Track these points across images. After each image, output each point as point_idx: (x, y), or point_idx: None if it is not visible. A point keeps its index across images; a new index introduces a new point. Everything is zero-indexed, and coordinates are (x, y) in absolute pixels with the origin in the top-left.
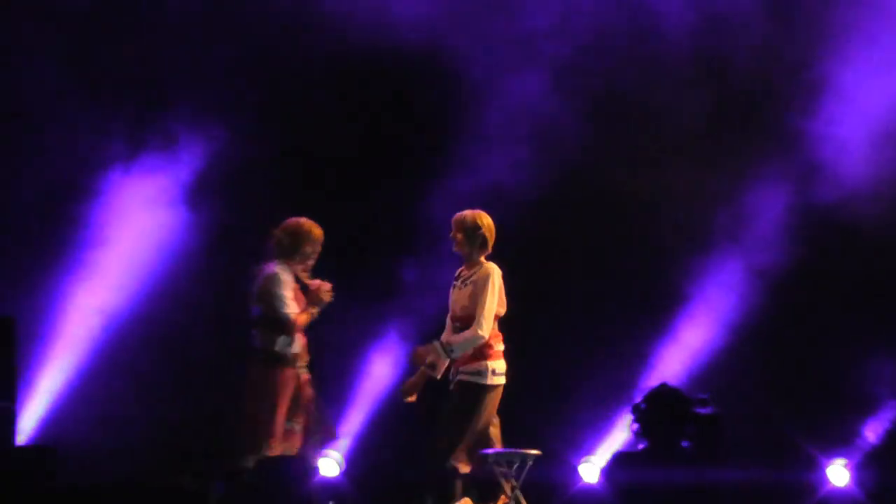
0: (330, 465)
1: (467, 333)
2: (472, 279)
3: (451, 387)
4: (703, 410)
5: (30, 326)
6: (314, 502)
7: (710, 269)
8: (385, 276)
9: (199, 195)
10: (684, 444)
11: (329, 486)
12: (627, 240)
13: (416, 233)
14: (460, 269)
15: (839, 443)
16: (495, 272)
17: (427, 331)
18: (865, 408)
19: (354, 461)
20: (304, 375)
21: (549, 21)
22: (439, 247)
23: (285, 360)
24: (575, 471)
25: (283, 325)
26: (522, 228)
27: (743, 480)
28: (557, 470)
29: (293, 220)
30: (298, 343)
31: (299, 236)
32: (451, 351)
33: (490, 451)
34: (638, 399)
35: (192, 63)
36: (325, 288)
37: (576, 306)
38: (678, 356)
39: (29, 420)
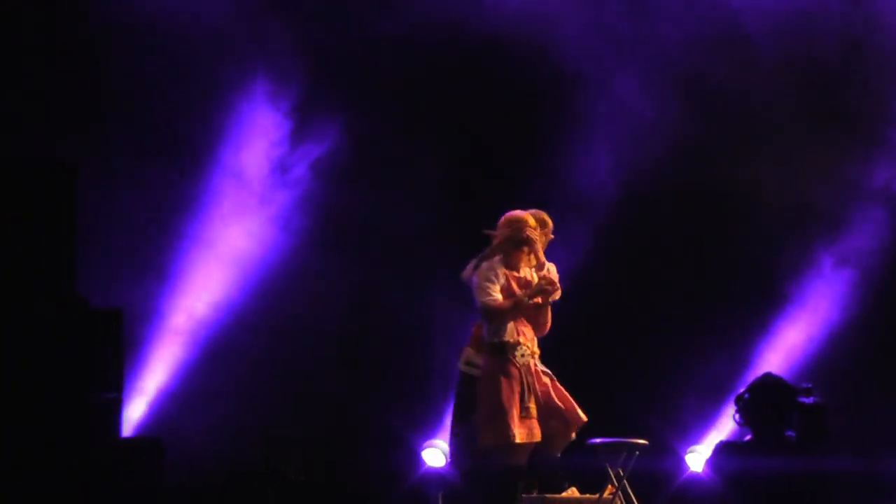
0: (436, 454)
1: None
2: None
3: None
4: (807, 400)
5: (138, 318)
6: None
7: (814, 261)
8: None
9: (312, 188)
10: (789, 433)
11: (436, 476)
12: (732, 233)
13: None
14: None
15: None
16: None
17: None
18: None
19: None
20: (532, 363)
21: (637, 19)
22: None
23: (500, 349)
24: (682, 460)
25: (486, 314)
26: (627, 224)
27: (847, 470)
28: (664, 460)
29: (509, 213)
30: (513, 331)
31: (509, 227)
32: None
33: (598, 440)
34: (742, 389)
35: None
36: (542, 277)
37: (681, 298)
38: (783, 347)
39: (135, 412)
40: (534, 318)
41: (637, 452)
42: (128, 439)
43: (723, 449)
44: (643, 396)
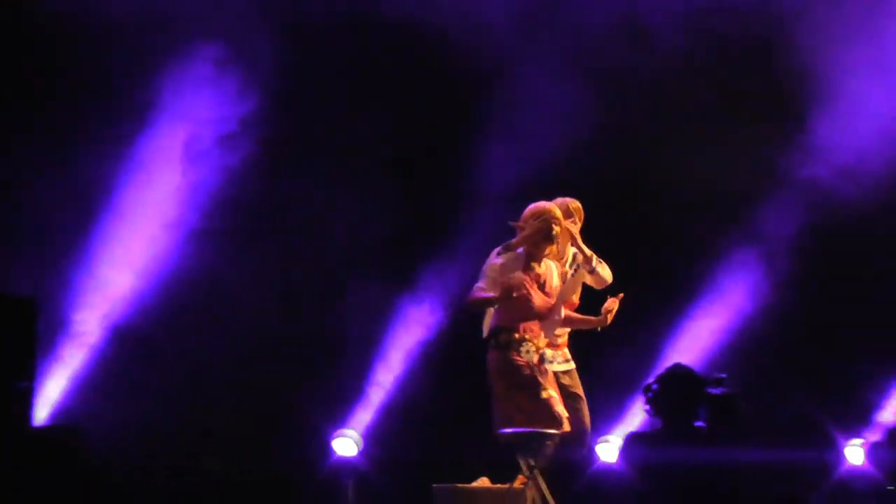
0: (348, 444)
1: None
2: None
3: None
4: (715, 390)
5: (51, 307)
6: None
7: (725, 250)
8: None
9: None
10: (698, 423)
11: (348, 465)
12: (641, 222)
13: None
14: (565, 256)
15: (857, 423)
16: None
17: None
18: (883, 388)
19: (374, 440)
20: (535, 358)
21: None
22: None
23: (496, 344)
24: (593, 451)
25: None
26: None
27: (760, 460)
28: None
29: (535, 204)
30: (517, 327)
31: (535, 220)
32: None
33: (509, 430)
34: (650, 380)
35: None
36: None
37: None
38: (695, 337)
39: (48, 401)
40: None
41: (548, 442)
42: (41, 428)
43: (633, 440)
44: None
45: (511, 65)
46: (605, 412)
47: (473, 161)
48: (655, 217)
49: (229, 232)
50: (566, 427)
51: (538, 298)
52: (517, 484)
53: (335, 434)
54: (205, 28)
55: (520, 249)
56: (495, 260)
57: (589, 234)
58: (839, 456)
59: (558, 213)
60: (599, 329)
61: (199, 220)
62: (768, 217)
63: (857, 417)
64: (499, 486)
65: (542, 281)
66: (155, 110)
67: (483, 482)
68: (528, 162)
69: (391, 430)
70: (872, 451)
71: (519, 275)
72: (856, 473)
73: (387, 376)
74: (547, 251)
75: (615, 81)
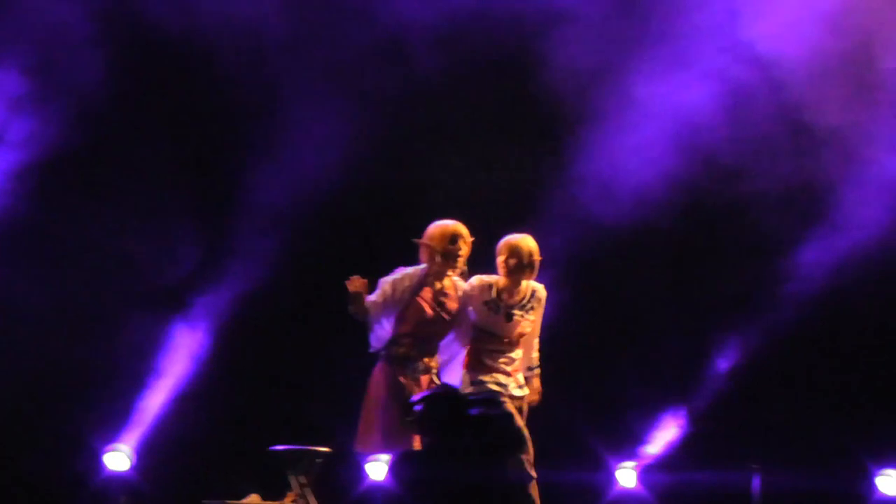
0: (119, 458)
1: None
2: (531, 305)
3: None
4: (473, 411)
5: None
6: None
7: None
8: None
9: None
10: (462, 444)
11: (119, 480)
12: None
13: None
14: (493, 290)
15: (631, 445)
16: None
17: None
18: (654, 411)
19: (148, 454)
20: (425, 380)
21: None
22: None
23: (385, 356)
24: (363, 469)
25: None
26: (314, 232)
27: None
28: (346, 468)
29: (437, 222)
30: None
31: (435, 238)
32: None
33: (280, 447)
34: (414, 399)
35: None
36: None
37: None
38: None
39: None
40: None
41: (319, 460)
42: None
43: (400, 458)
44: (327, 404)
45: (281, 87)
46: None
47: (247, 186)
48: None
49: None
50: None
51: (434, 316)
52: (288, 501)
53: (107, 449)
54: None
55: (421, 266)
56: (393, 274)
57: (366, 252)
58: (611, 478)
59: (463, 231)
60: None
61: None
62: (546, 229)
63: (629, 441)
64: (270, 502)
65: (440, 299)
66: None
67: (253, 498)
68: (300, 184)
69: (163, 446)
70: (644, 474)
71: (414, 287)
72: (627, 496)
73: (160, 394)
74: (449, 270)
75: (379, 101)
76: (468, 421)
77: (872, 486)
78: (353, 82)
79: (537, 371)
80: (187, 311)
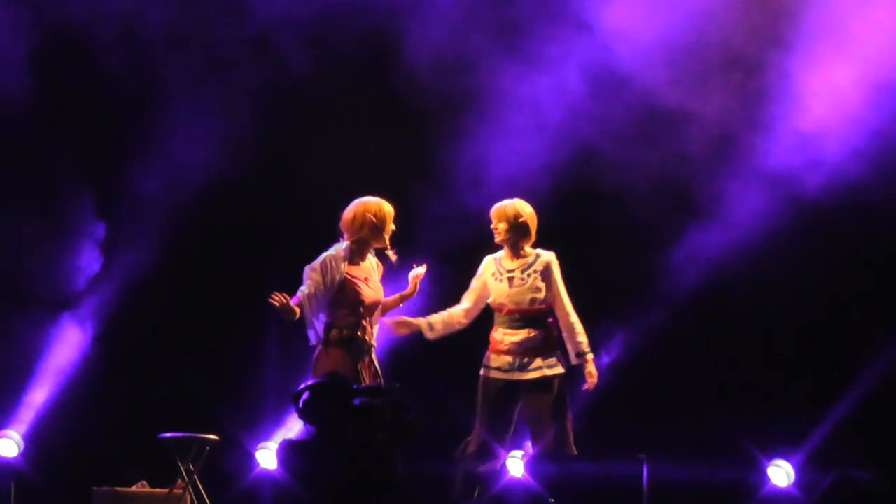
0: (9, 445)
1: (580, 326)
2: (532, 269)
3: (535, 379)
4: (356, 401)
5: None
6: None
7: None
8: None
9: None
10: (348, 434)
11: (8, 466)
12: (292, 230)
13: None
14: (496, 260)
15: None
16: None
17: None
18: None
19: (37, 441)
20: (366, 359)
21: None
22: None
23: (327, 341)
24: (253, 457)
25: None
26: (196, 224)
27: (413, 471)
28: (237, 456)
29: (359, 200)
30: (338, 328)
31: (359, 217)
32: (587, 353)
33: (168, 435)
34: (301, 387)
35: None
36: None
37: (250, 296)
38: None
39: None
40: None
41: (207, 448)
42: None
43: (287, 447)
44: (216, 392)
45: (162, 79)
46: (267, 418)
47: (130, 178)
48: (306, 223)
49: None
50: None
51: (368, 293)
52: (176, 489)
53: None
54: None
55: (342, 245)
56: (318, 259)
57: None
58: (502, 467)
59: (386, 208)
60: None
61: None
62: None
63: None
64: (158, 490)
65: (365, 276)
66: None
67: (143, 486)
68: (181, 174)
69: (53, 433)
70: (532, 463)
71: (344, 267)
72: (515, 485)
73: (49, 382)
74: (375, 245)
75: (254, 93)
76: (350, 411)
77: (764, 476)
78: (229, 75)
79: (588, 357)
80: (74, 302)
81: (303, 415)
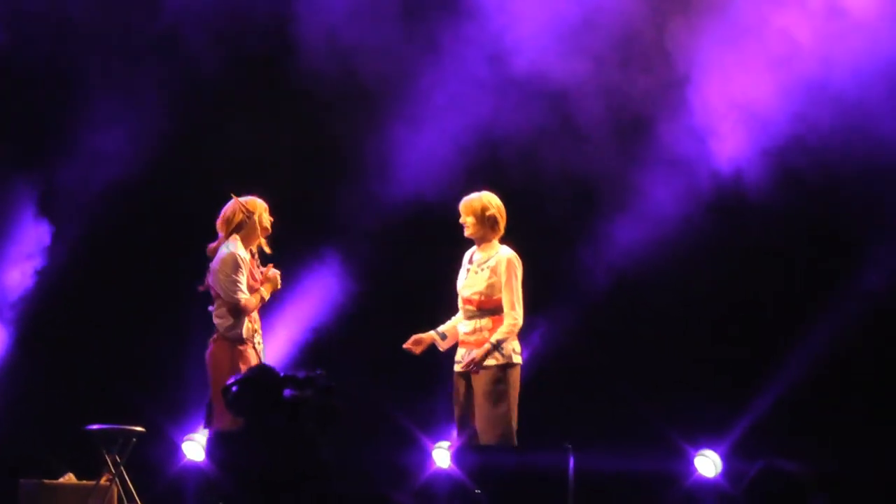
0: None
1: (508, 325)
2: (488, 264)
3: (477, 371)
4: (287, 393)
5: None
6: None
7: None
8: None
9: None
10: (274, 425)
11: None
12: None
13: None
14: (471, 252)
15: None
16: (515, 257)
17: None
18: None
19: None
20: (260, 347)
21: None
22: None
23: (239, 340)
24: (179, 449)
25: (236, 310)
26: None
27: (349, 461)
28: (163, 447)
29: (246, 197)
30: (250, 324)
31: (256, 210)
32: (501, 347)
33: (94, 427)
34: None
35: None
36: (274, 274)
37: (171, 291)
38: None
39: None
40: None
41: (134, 440)
42: None
43: (216, 438)
44: (141, 384)
45: (79, 73)
46: (193, 410)
47: (49, 171)
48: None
49: None
50: None
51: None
52: (103, 480)
53: None
54: None
55: (231, 242)
56: (223, 253)
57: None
58: (427, 458)
59: (260, 203)
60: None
61: None
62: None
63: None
64: (85, 482)
65: (255, 269)
66: None
67: (70, 478)
68: (99, 167)
69: None
70: (458, 455)
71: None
72: (440, 475)
73: None
74: (259, 241)
75: (165, 88)
76: (280, 403)
77: (691, 466)
78: (143, 69)
79: (486, 347)
80: None
81: (232, 408)
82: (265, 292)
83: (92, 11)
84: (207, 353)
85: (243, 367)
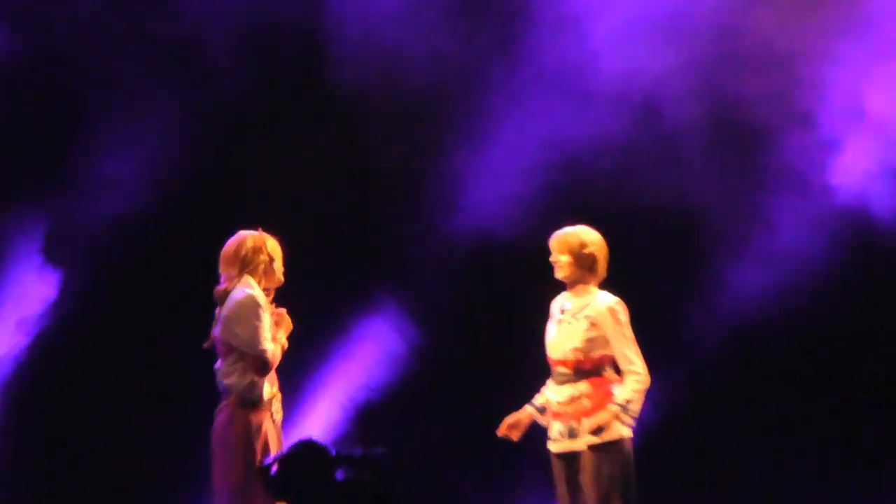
0: None
1: (634, 381)
2: (585, 312)
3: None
4: (341, 475)
5: None
6: None
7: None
8: None
9: None
10: None
11: None
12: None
13: None
14: (561, 300)
15: None
16: (619, 302)
17: None
18: None
19: None
20: (278, 417)
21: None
22: None
23: (259, 404)
24: None
25: (261, 365)
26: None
27: None
28: None
29: (256, 234)
30: (270, 386)
31: (277, 256)
32: (629, 409)
33: None
34: (270, 460)
35: None
36: (282, 314)
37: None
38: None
39: None
40: None
41: None
42: None
43: None
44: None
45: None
46: None
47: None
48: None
49: None
50: None
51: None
52: None
53: None
54: None
55: (253, 285)
56: (240, 296)
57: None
58: None
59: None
60: None
61: None
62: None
63: None
64: None
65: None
66: None
67: None
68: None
69: None
70: None
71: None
72: None
73: None
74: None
75: (188, 101)
76: (334, 487)
77: None
78: (164, 80)
79: (615, 410)
80: None
81: (273, 489)
82: (283, 339)
83: (101, 16)
84: (216, 424)
85: (259, 444)
